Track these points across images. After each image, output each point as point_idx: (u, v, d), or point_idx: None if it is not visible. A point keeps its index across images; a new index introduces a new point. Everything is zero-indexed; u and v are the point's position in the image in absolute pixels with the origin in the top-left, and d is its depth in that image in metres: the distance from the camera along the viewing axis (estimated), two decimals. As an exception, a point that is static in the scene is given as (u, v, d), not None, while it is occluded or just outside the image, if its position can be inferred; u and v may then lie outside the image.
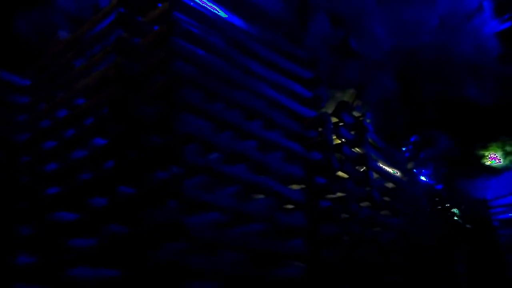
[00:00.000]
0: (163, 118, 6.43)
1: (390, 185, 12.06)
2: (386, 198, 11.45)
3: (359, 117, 11.16)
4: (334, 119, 10.06)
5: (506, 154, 17.94)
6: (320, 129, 8.96)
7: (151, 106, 6.62)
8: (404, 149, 16.24)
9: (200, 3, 8.04)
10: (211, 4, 8.46)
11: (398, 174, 12.99)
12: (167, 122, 6.36)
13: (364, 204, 10.08)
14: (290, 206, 8.09)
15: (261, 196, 7.60)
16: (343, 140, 10.23)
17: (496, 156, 18.01)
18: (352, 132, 10.68)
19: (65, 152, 7.74)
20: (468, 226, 18.07)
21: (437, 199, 17.49)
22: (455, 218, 17.85)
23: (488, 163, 18.23)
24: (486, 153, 17.99)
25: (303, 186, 8.37)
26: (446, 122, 16.47)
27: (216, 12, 8.43)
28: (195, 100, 6.82)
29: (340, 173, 9.44)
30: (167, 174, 6.26)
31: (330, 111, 10.05)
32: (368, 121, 11.39)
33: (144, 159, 6.34)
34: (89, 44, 8.10)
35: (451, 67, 14.36)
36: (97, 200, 6.94)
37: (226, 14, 8.68)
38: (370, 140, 11.22)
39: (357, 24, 12.86)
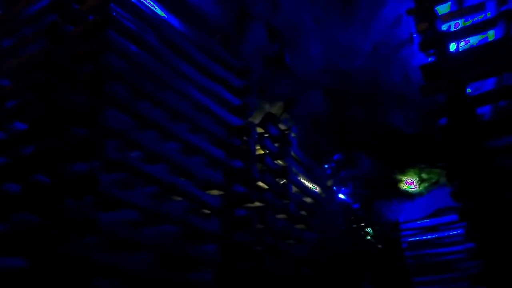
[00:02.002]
0: (87, 110, 6.35)
1: (308, 199, 12.30)
2: (303, 212, 11.68)
3: (285, 130, 11.35)
4: (259, 130, 10.20)
5: (422, 181, 18.64)
6: (244, 138, 9.07)
7: (77, 96, 6.53)
8: (326, 166, 16.60)
9: (140, -1, 8.02)
10: (151, 2, 8.44)
11: (318, 190, 13.27)
12: (91, 114, 6.29)
13: (280, 216, 10.24)
14: (206, 211, 8.14)
15: (179, 198, 7.60)
16: (267, 151, 10.38)
17: (412, 182, 18.66)
18: (276, 144, 10.86)
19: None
20: (379, 246, 18.65)
21: (352, 217, 17.97)
22: (368, 237, 18.39)
23: (404, 187, 18.85)
24: (403, 178, 18.60)
25: (222, 192, 8.44)
26: (369, 145, 16.95)
27: (154, 9, 8.41)
28: (122, 95, 6.76)
29: (260, 183, 9.57)
30: (86, 167, 6.18)
31: (256, 121, 10.18)
32: (293, 135, 11.60)
33: (63, 149, 6.23)
34: (20, 25, 7.90)
35: (379, 93, 14.83)
36: (10, 186, 6.75)
37: (164, 13, 8.67)
38: (293, 154, 11.43)
39: (294, 40, 13.09)
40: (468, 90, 7.80)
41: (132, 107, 6.86)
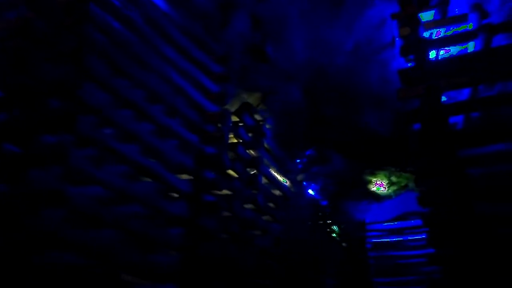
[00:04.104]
0: (64, 82, 6.28)
1: (277, 192, 12.36)
2: (271, 204, 11.73)
3: (260, 121, 11.39)
4: (235, 118, 10.22)
5: (391, 184, 18.85)
6: (219, 125, 9.07)
7: (55, 67, 6.44)
8: (298, 160, 16.66)
9: (125, -25, 7.91)
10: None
11: (287, 183, 13.34)
12: (68, 87, 6.22)
13: (248, 205, 10.27)
14: (175, 195, 8.13)
15: (148, 179, 7.57)
16: (240, 140, 10.40)
17: (382, 184, 18.86)
18: (250, 134, 10.88)
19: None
20: (344, 244, 18.85)
21: (320, 214, 18.11)
22: (334, 235, 18.55)
23: (373, 189, 19.04)
24: (373, 180, 18.78)
25: (191, 177, 8.44)
26: (342, 143, 17.03)
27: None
28: (100, 71, 6.70)
29: (230, 172, 9.59)
30: (58, 139, 6.12)
31: (232, 109, 10.18)
32: (268, 126, 11.64)
33: (36, 120, 6.15)
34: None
35: (356, 93, 14.88)
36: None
37: (149, -8, 8.59)
38: (266, 145, 11.47)
39: (277, 32, 13.08)
40: (443, 98, 7.91)
41: (109, 84, 6.80)
